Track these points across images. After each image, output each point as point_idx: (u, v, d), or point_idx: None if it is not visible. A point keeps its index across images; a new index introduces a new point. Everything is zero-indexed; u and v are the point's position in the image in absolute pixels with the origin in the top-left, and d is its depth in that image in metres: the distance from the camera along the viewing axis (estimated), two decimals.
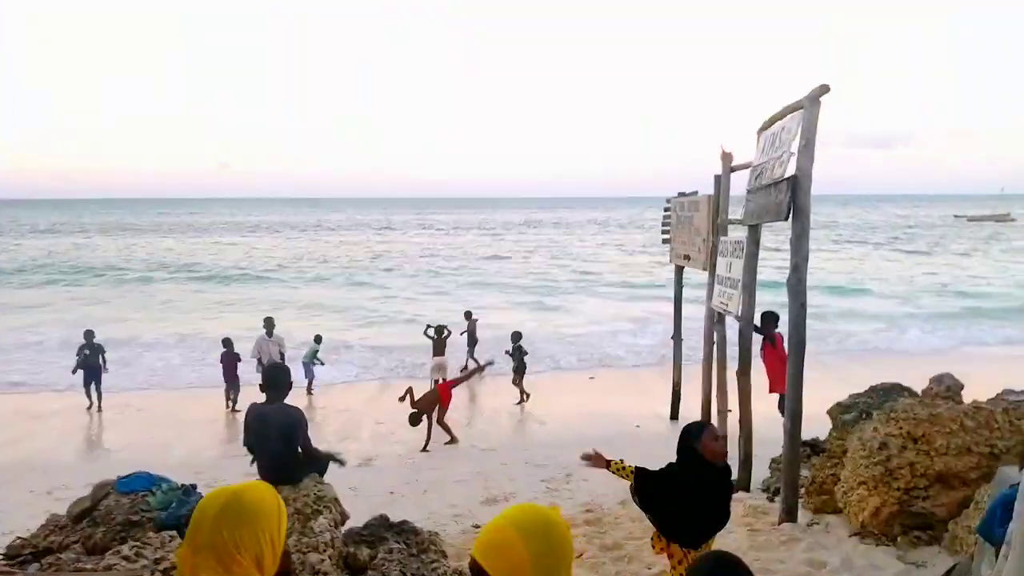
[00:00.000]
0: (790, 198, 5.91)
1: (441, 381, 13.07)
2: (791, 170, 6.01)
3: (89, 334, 13.14)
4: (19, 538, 4.99)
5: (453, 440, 10.64)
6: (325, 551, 4.17)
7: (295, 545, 4.07)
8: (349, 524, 4.85)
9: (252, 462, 5.13)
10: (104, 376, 12.89)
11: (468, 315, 15.70)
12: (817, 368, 14.36)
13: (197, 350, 17.23)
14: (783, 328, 6.68)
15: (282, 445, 4.82)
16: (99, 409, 12.64)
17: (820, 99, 5.70)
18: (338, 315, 23.81)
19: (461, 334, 15.01)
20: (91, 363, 12.75)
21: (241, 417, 11.67)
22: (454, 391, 11.04)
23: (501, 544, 1.47)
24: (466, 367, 14.29)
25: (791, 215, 5.95)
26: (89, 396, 12.67)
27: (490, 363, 12.61)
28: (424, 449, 10.29)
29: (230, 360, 12.73)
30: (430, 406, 10.42)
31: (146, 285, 31.57)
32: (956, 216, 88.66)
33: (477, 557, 1.49)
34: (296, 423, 4.84)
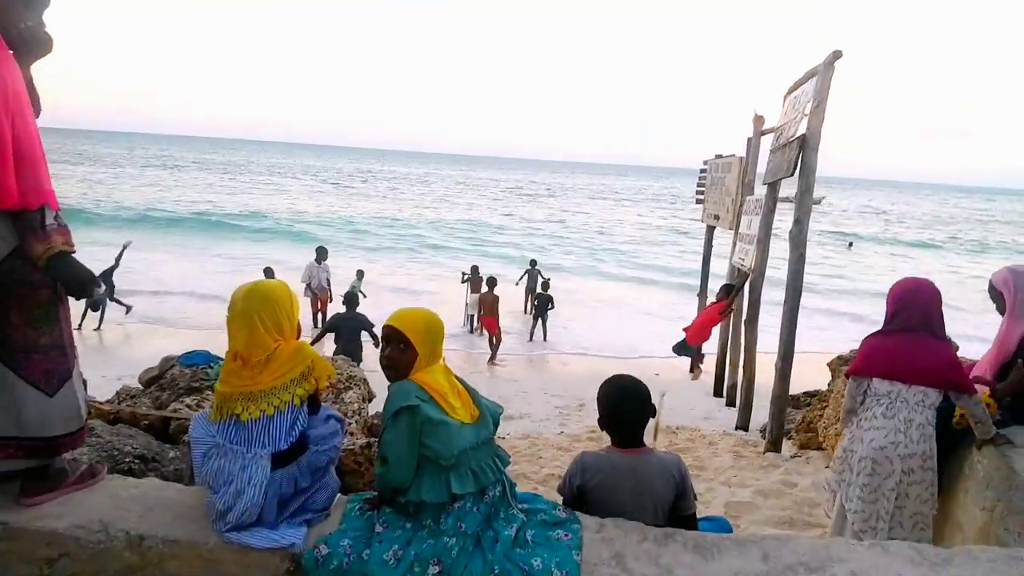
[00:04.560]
0: (798, 155, 6.33)
1: (477, 315, 13.91)
2: (803, 129, 6.42)
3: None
4: (95, 400, 5.88)
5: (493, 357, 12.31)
6: (352, 417, 4.94)
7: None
8: (375, 403, 5.63)
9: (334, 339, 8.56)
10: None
11: (533, 263, 16.47)
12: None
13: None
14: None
15: (355, 335, 8.46)
16: (98, 328, 12.84)
17: (834, 64, 6.07)
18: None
19: (517, 283, 16.10)
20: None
21: None
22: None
23: (408, 315, 2.31)
24: (525, 310, 15.63)
25: (798, 171, 6.37)
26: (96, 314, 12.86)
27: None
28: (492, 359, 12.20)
29: None
30: (492, 309, 12.34)
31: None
32: None
33: (392, 323, 2.29)
34: (366, 320, 8.50)
